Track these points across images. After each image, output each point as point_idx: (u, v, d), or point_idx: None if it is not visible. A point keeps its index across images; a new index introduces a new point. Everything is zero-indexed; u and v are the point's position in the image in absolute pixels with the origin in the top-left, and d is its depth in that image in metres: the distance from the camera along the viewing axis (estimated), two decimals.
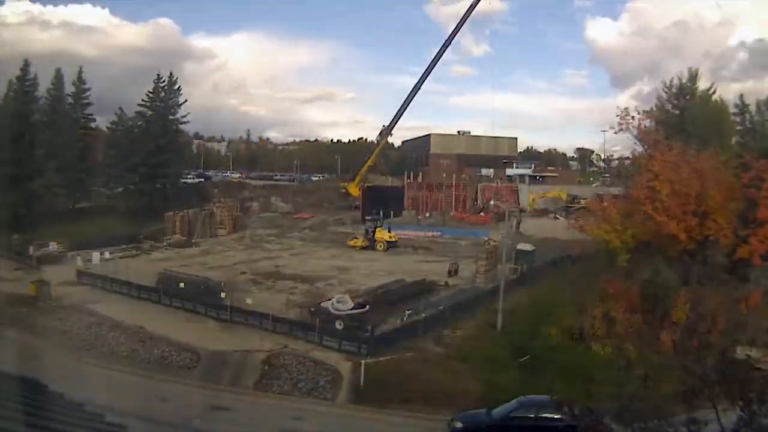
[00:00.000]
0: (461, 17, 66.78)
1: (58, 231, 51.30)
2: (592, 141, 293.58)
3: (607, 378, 19.81)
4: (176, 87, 67.99)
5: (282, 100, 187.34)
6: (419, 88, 68.05)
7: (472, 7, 65.38)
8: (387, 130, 70.57)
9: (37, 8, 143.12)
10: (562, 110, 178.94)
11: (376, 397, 22.86)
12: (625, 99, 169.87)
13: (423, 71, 68.36)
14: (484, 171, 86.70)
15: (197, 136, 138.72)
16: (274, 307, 30.48)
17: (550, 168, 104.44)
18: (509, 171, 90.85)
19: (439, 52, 67.59)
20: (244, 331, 29.30)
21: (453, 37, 67.15)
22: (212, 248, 52.77)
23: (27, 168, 54.19)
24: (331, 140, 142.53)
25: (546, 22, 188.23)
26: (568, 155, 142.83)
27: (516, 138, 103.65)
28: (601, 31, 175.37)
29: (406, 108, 68.99)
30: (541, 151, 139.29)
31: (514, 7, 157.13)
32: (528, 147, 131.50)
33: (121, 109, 67.05)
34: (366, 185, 69.72)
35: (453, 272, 39.98)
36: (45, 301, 33.20)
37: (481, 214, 64.89)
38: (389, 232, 52.97)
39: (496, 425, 19.28)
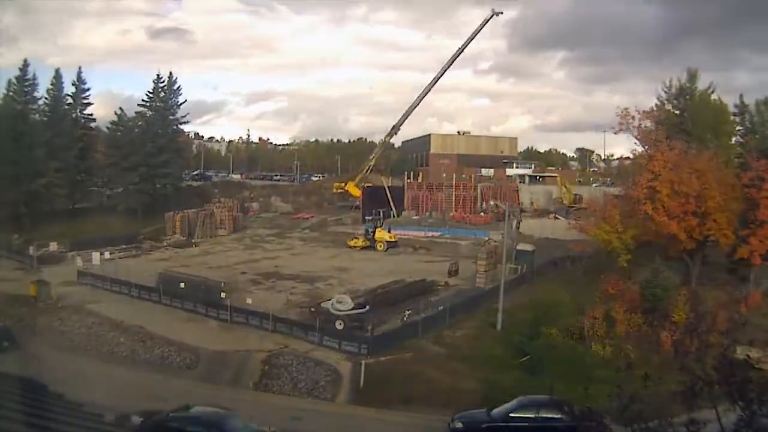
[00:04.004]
0: (472, 33, 68.43)
1: (58, 231, 51.37)
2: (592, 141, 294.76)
3: (607, 378, 19.87)
4: (176, 87, 68.12)
5: None
6: (428, 92, 69.14)
7: (483, 24, 67.70)
8: (396, 129, 71.08)
9: None
10: None
11: (376, 397, 22.86)
12: None
13: (432, 77, 69.49)
14: (484, 171, 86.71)
15: (197, 136, 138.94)
16: (274, 307, 30.47)
17: (550, 168, 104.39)
18: (509, 171, 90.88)
19: (448, 61, 69.01)
20: (244, 331, 29.32)
21: (462, 51, 68.68)
22: (212, 248, 52.78)
23: (27, 168, 54.16)
24: (331, 140, 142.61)
25: None
26: (568, 155, 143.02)
27: (516, 138, 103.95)
28: None
29: (413, 110, 70.00)
30: (541, 151, 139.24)
31: None
32: (528, 147, 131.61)
33: (121, 109, 67.22)
34: (366, 185, 69.82)
35: (453, 272, 39.98)
36: (45, 301, 33.20)
37: (482, 214, 64.90)
38: (389, 232, 52.97)
39: (496, 425, 19.28)
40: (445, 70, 68.76)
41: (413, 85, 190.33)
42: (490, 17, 67.09)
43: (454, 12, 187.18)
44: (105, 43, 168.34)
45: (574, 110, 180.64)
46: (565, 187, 70.51)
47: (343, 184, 72.93)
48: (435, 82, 68.95)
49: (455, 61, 68.52)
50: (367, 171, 71.04)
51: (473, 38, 67.85)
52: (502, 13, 67.15)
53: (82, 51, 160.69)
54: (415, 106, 69.69)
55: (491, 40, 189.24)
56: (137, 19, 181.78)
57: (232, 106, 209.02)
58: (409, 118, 69.89)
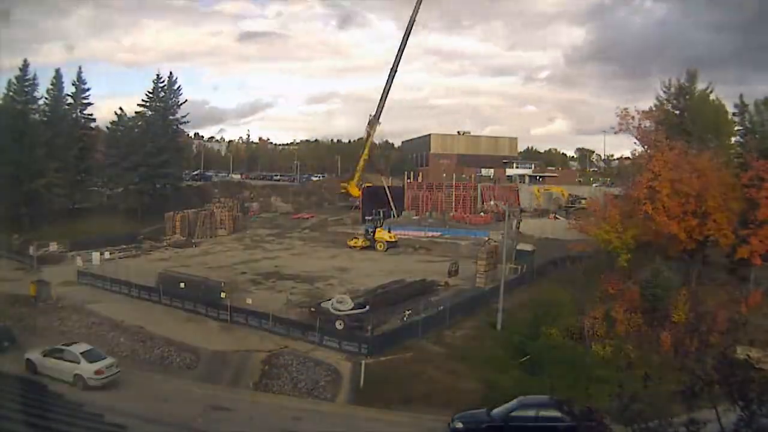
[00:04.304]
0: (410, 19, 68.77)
1: (58, 231, 51.37)
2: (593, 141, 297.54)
3: (607, 378, 19.89)
4: (176, 87, 68.11)
5: None
6: (394, 75, 69.51)
7: (415, 12, 67.89)
8: (374, 119, 71.40)
9: None
10: None
11: (376, 397, 22.88)
12: None
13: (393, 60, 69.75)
14: (484, 171, 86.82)
15: (197, 136, 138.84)
16: (274, 307, 30.47)
17: (550, 168, 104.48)
18: (509, 171, 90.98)
19: (400, 47, 69.38)
20: (244, 331, 29.32)
21: (408, 34, 69.02)
22: (212, 248, 52.79)
23: (27, 168, 54.17)
24: (331, 140, 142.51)
25: None
26: (568, 155, 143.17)
27: (516, 138, 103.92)
28: None
29: (386, 96, 70.38)
30: (541, 151, 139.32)
31: None
32: (528, 147, 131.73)
33: (121, 108, 67.18)
34: (366, 185, 69.91)
35: (453, 272, 39.97)
36: (45, 301, 33.19)
37: (482, 214, 64.92)
38: (389, 232, 52.97)
39: (496, 425, 19.29)
40: (400, 57, 69.64)
41: (469, 88, 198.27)
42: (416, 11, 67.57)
43: (542, 29, 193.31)
44: (171, 43, 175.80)
45: (610, 116, 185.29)
46: (538, 191, 71.08)
47: (347, 184, 73.10)
48: (395, 67, 69.39)
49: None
50: (362, 167, 71.42)
51: (411, 28, 68.51)
52: None
53: (153, 51, 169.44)
54: (386, 95, 70.30)
55: (542, 52, 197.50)
56: (217, 23, 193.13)
57: (282, 108, 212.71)
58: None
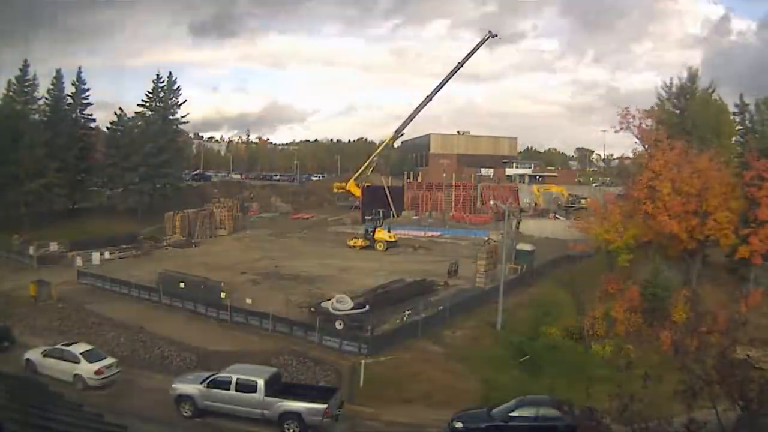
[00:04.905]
0: (470, 50, 70.19)
1: (58, 231, 51.33)
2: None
3: (607, 378, 19.89)
4: (176, 87, 68.06)
5: None
6: (431, 99, 70.60)
7: (480, 43, 69.72)
8: (400, 129, 72.91)
9: None
10: None
11: (376, 397, 22.86)
12: None
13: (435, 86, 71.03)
14: (484, 171, 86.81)
15: (197, 136, 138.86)
16: (274, 307, 30.47)
17: (549, 168, 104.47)
18: (509, 171, 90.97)
19: (450, 73, 70.46)
20: (245, 331, 29.34)
21: (461, 66, 70.16)
22: (212, 248, 52.75)
23: (27, 168, 54.13)
24: (331, 140, 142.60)
25: None
26: (568, 155, 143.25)
27: (516, 138, 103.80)
28: None
29: (416, 115, 71.60)
30: (541, 150, 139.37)
31: None
32: (528, 147, 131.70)
33: (120, 108, 67.08)
34: (366, 185, 70.00)
35: (453, 272, 39.97)
36: (45, 301, 33.17)
37: (482, 213, 64.97)
38: (389, 232, 52.97)
39: (496, 425, 19.30)
40: (444, 84, 71.12)
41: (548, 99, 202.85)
42: (487, 38, 68.92)
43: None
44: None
45: None
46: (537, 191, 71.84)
47: (343, 184, 73.24)
48: (435, 93, 70.80)
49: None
50: (370, 170, 71.98)
51: (471, 55, 70.01)
52: (497, 35, 69.90)
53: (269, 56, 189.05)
54: (415, 115, 71.72)
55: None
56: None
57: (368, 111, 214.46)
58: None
